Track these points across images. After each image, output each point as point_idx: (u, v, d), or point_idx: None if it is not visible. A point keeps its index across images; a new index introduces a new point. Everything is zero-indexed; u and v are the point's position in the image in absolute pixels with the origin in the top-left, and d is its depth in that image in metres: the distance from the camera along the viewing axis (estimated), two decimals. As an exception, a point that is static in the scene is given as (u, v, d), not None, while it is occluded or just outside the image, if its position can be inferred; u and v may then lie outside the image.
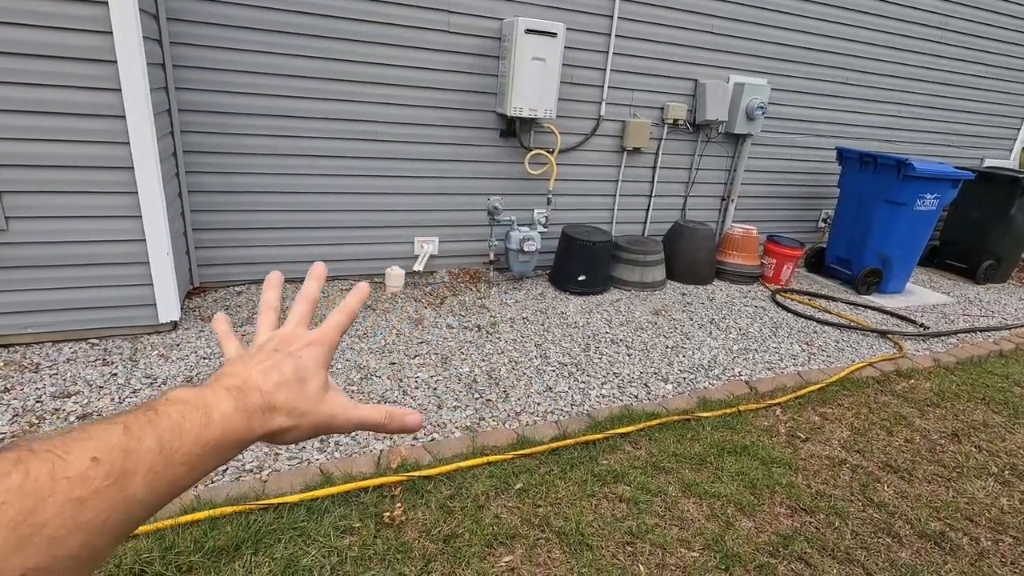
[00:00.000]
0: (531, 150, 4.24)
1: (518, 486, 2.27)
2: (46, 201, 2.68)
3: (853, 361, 3.68)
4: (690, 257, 4.76)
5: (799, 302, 4.67)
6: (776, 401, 3.10)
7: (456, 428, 2.59)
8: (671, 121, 4.68)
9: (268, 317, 0.53)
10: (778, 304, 4.53)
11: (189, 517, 1.88)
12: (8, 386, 2.53)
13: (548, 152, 4.27)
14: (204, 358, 2.92)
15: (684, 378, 3.26)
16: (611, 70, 4.34)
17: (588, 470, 2.39)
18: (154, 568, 1.71)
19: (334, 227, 3.97)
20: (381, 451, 2.37)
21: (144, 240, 2.90)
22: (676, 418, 2.81)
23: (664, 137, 4.76)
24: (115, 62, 2.58)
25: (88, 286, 2.88)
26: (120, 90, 2.63)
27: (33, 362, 2.74)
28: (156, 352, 2.93)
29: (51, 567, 0.28)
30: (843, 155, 5.05)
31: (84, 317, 2.94)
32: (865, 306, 4.69)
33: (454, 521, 2.06)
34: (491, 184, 4.32)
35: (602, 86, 4.38)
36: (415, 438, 2.49)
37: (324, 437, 2.40)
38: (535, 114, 3.96)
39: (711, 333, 3.88)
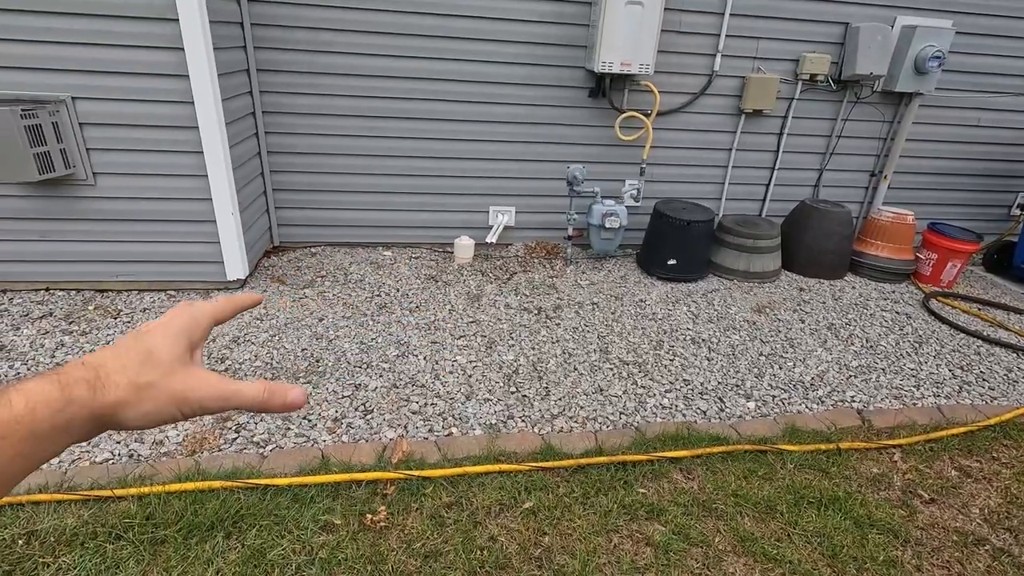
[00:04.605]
0: (623, 112, 3.71)
1: (527, 504, 1.96)
2: (124, 159, 2.84)
3: (1029, 399, 2.77)
4: (816, 244, 3.93)
5: (963, 311, 3.65)
6: (896, 442, 2.40)
7: (478, 424, 2.33)
8: (807, 76, 3.81)
9: None
10: (930, 311, 3.57)
11: (178, 486, 1.86)
12: (87, 330, 2.76)
13: (644, 115, 3.70)
14: (257, 319, 2.97)
15: (773, 396, 2.66)
16: (730, 13, 3.59)
17: (618, 498, 2.01)
18: (132, 534, 1.71)
19: (407, 192, 3.83)
20: (391, 439, 2.20)
21: (211, 199, 2.97)
22: (749, 447, 2.28)
23: (796, 97, 3.91)
24: (177, 20, 2.59)
25: (163, 241, 3.04)
26: (183, 49, 2.65)
27: (117, 308, 2.97)
28: (217, 309, 3.03)
29: None
30: (1059, 120, 3.78)
31: (162, 270, 3.12)
32: (1065, 324, 3.54)
33: (442, 536, 1.82)
34: (576, 150, 3.88)
35: (717, 34, 3.66)
36: (431, 430, 2.28)
37: (337, 417, 2.28)
38: (628, 69, 3.41)
39: (825, 342, 3.15)
